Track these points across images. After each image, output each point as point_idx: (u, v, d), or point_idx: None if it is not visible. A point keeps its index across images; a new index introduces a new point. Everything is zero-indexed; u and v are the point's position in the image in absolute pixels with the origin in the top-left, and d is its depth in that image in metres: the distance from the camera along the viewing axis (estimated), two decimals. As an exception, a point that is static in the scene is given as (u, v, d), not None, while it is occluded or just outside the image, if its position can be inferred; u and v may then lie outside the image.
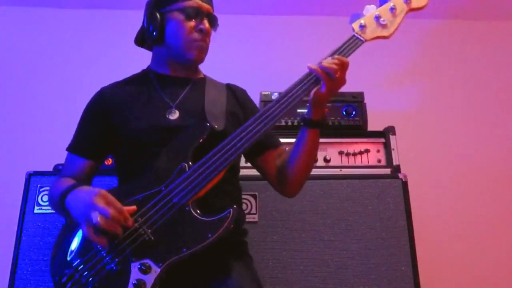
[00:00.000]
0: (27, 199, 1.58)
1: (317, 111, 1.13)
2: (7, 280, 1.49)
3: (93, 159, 1.23)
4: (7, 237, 1.61)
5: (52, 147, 2.02)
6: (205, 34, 1.22)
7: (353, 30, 1.14)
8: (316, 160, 1.73)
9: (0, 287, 1.56)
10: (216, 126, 1.14)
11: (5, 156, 2.21)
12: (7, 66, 2.39)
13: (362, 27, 1.13)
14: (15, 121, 2.29)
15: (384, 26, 1.13)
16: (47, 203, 1.57)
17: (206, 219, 1.01)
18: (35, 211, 1.57)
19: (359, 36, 1.13)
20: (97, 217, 0.94)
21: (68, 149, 1.25)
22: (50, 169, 1.66)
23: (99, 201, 0.96)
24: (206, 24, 1.22)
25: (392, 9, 1.14)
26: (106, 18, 2.51)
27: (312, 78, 1.07)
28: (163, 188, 1.04)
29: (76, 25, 2.48)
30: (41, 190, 1.59)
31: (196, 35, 1.21)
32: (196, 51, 1.22)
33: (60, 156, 1.66)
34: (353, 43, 1.11)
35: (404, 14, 1.15)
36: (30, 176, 1.61)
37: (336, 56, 1.06)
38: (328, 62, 1.04)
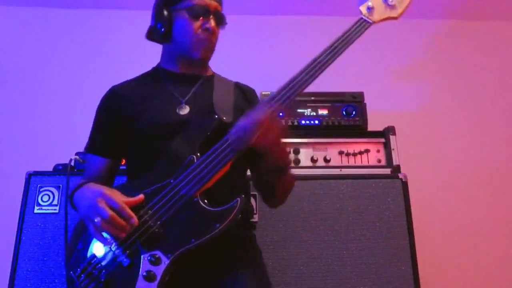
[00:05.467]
0: (27, 199, 1.58)
1: (267, 157, 1.09)
2: (7, 280, 1.49)
3: (111, 157, 1.25)
4: (7, 237, 1.61)
5: (52, 147, 2.03)
6: (211, 33, 1.22)
7: (361, 12, 1.13)
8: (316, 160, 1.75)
9: (0, 287, 1.56)
10: (224, 118, 1.13)
11: (5, 156, 2.21)
12: (7, 66, 2.39)
13: (370, 9, 1.12)
14: (15, 121, 2.30)
15: (392, 7, 1.13)
16: (47, 203, 1.57)
17: (214, 209, 1.01)
18: (35, 211, 1.57)
19: (366, 19, 1.12)
20: (98, 220, 0.97)
21: (85, 149, 1.27)
22: (50, 169, 1.66)
23: (100, 202, 0.99)
24: (212, 23, 1.21)
25: None
26: (106, 18, 2.51)
27: None
28: (172, 181, 1.05)
29: (76, 25, 2.48)
30: (41, 190, 1.59)
31: (202, 34, 1.21)
32: (201, 51, 1.23)
33: (60, 156, 1.68)
34: (360, 26, 1.11)
35: None
36: (30, 176, 1.61)
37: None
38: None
